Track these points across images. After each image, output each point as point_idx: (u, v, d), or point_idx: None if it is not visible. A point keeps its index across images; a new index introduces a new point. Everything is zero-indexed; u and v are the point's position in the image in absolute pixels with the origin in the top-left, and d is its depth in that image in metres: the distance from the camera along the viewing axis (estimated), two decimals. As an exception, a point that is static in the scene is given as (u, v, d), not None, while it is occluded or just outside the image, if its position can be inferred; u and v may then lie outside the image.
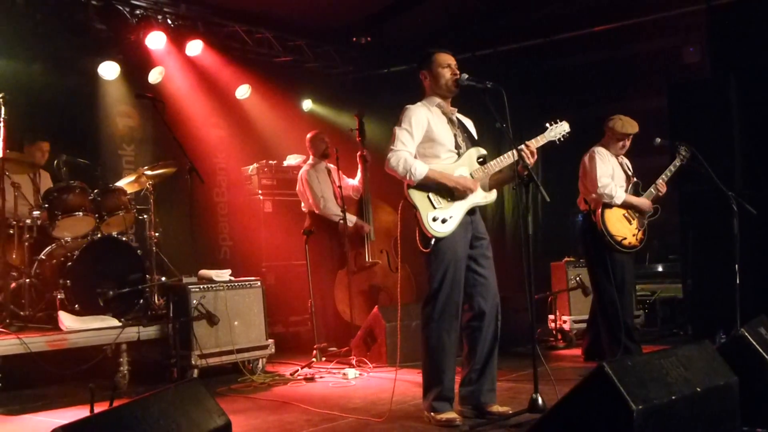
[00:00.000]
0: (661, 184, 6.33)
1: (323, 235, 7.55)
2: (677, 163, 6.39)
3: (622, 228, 6.17)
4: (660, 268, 9.38)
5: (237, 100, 9.85)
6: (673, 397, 3.25)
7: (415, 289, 7.68)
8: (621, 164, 6.38)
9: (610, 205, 6.15)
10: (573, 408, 3.26)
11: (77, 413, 5.07)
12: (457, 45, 6.86)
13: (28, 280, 6.26)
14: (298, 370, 6.49)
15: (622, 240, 6.12)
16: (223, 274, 6.57)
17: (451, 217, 4.58)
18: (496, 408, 4.64)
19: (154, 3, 8.60)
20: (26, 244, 6.36)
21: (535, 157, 4.61)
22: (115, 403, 3.20)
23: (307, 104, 10.65)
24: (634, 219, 6.24)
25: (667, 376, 3.35)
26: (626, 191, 6.25)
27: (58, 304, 6.13)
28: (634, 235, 6.20)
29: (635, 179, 6.34)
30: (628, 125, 6.24)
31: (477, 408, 4.67)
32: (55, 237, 6.53)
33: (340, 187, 7.41)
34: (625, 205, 6.21)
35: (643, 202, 6.26)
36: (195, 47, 8.86)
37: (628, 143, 6.32)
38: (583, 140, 5.17)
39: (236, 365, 6.40)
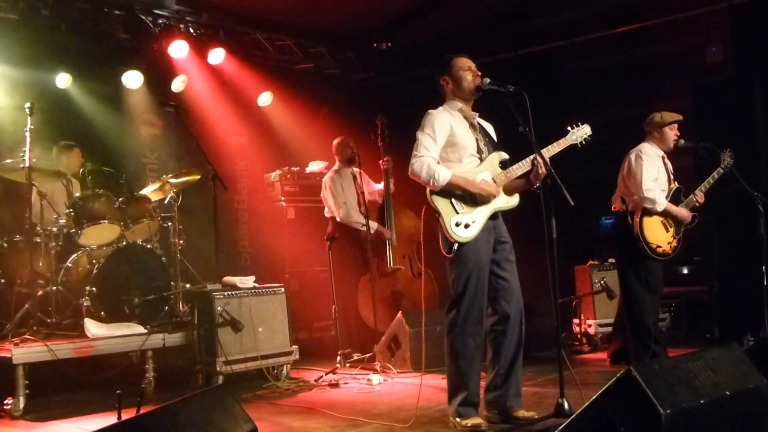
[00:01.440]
0: (699, 194, 6.23)
1: (346, 241, 7.56)
2: (720, 170, 6.28)
3: (659, 235, 6.05)
4: (685, 270, 9.28)
5: (259, 108, 9.90)
6: (702, 401, 3.22)
7: (438, 294, 7.67)
8: (665, 165, 6.24)
9: (650, 212, 6.04)
10: (600, 412, 3.23)
11: (104, 420, 5.12)
12: (477, 49, 6.82)
13: (54, 288, 6.32)
14: (322, 376, 6.49)
15: (656, 248, 6.00)
16: (247, 281, 6.59)
17: (474, 222, 4.58)
18: (522, 413, 4.62)
19: (177, 12, 8.67)
20: (53, 251, 6.43)
21: (544, 169, 4.57)
22: (142, 410, 3.23)
23: (327, 113, 10.66)
24: (671, 227, 6.12)
25: (696, 380, 3.31)
26: (667, 197, 6.15)
27: (84, 312, 6.20)
28: (669, 243, 6.08)
29: (677, 184, 6.22)
30: (668, 115, 6.12)
31: (503, 413, 4.65)
32: (81, 245, 6.59)
33: (363, 193, 7.42)
34: (664, 213, 6.10)
35: (683, 212, 6.13)
36: (217, 55, 8.92)
37: (676, 133, 6.17)
38: (605, 143, 5.14)
39: (261, 371, 6.43)
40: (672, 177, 6.26)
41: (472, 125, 4.79)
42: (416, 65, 10.38)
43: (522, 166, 4.68)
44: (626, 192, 6.17)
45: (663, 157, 6.23)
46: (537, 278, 9.79)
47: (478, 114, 4.87)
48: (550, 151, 4.71)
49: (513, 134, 4.89)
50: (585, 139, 4.84)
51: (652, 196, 5.98)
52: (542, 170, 4.54)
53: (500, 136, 5.03)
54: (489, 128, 4.97)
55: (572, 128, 4.85)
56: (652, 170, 6.07)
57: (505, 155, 4.80)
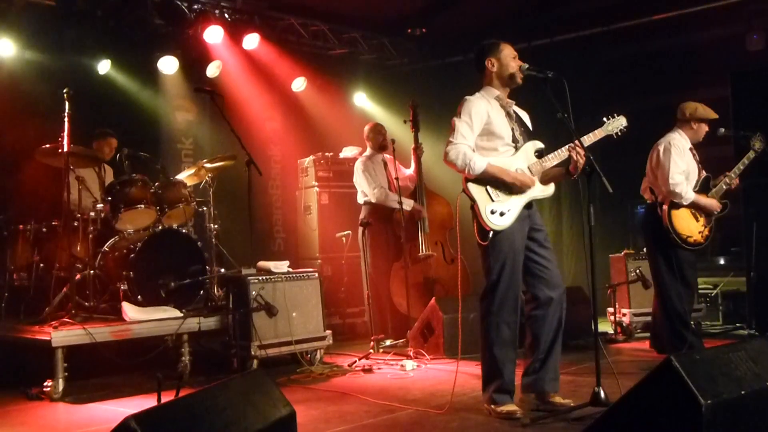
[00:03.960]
0: (733, 178, 6.16)
1: (379, 226, 7.56)
2: (751, 155, 6.20)
3: (689, 225, 6.00)
4: (722, 261, 9.17)
5: (293, 93, 9.93)
6: (743, 392, 3.18)
7: (471, 281, 7.65)
8: (694, 155, 6.17)
9: (678, 205, 5.99)
10: (639, 402, 3.20)
11: (142, 402, 5.18)
12: (512, 35, 6.78)
13: (92, 272, 6.37)
14: (355, 362, 6.52)
15: (687, 238, 5.95)
16: (282, 266, 6.62)
17: (509, 210, 4.55)
18: (559, 399, 4.61)
19: (212, -2, 8.70)
20: (90, 236, 6.48)
21: (583, 158, 4.53)
22: (181, 393, 3.26)
23: (361, 99, 10.67)
24: (701, 216, 6.07)
25: (736, 371, 3.27)
26: (696, 187, 6.08)
27: (122, 296, 6.26)
28: (700, 233, 6.02)
29: (705, 173, 6.16)
30: (710, 111, 6.07)
31: (539, 396, 4.65)
32: (118, 229, 6.66)
33: (396, 179, 7.41)
34: (692, 206, 6.04)
35: (712, 203, 6.07)
36: (252, 41, 8.94)
37: (707, 129, 6.13)
38: (641, 132, 5.08)
39: (294, 356, 6.46)
40: (700, 166, 6.19)
41: (508, 114, 4.75)
42: (450, 51, 10.34)
43: (557, 156, 4.65)
44: (655, 183, 6.12)
45: (691, 148, 6.16)
46: (571, 267, 9.78)
47: (514, 102, 4.83)
48: (586, 141, 4.67)
49: (549, 122, 4.86)
50: (621, 130, 4.80)
51: (679, 191, 5.92)
52: (581, 158, 4.50)
53: (535, 125, 4.99)
54: (525, 116, 4.93)
55: (608, 119, 4.82)
56: (680, 163, 6.00)
57: (540, 144, 4.76)
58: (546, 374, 4.65)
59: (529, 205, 4.69)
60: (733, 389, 3.15)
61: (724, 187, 6.13)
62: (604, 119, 4.82)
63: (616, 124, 4.81)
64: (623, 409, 3.27)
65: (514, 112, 4.83)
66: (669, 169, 5.96)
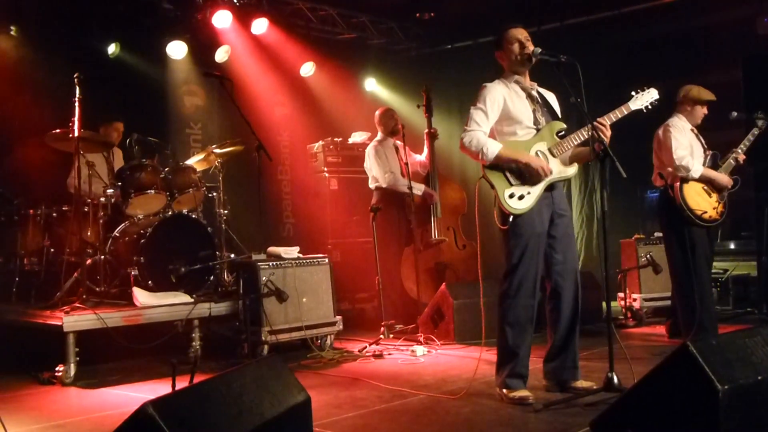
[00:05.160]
0: (740, 154, 6.18)
1: (390, 212, 7.54)
2: (755, 131, 6.24)
3: (702, 201, 6.01)
4: (732, 246, 9.15)
5: (301, 78, 9.91)
6: (759, 377, 3.16)
7: (482, 266, 7.62)
8: (697, 136, 6.21)
9: (687, 179, 6.00)
10: (655, 387, 3.18)
11: (154, 387, 5.20)
12: (521, 19, 6.71)
13: (102, 257, 6.38)
14: (366, 347, 6.50)
15: (702, 214, 5.96)
16: (292, 251, 6.61)
17: (528, 194, 4.52)
18: (580, 383, 4.62)
19: (220, -18, 8.66)
20: (101, 221, 6.49)
21: (609, 132, 4.50)
22: (194, 379, 3.26)
23: (371, 84, 10.63)
24: (713, 192, 6.10)
25: (753, 356, 3.25)
26: (704, 164, 6.10)
27: (132, 281, 6.27)
28: (714, 209, 6.04)
29: (711, 151, 6.18)
30: (705, 92, 6.09)
31: (560, 384, 4.67)
32: (128, 214, 6.67)
33: (407, 164, 7.39)
34: (702, 179, 6.05)
35: (722, 176, 6.10)
36: (260, 25, 8.91)
37: (705, 111, 6.15)
38: (653, 115, 5.03)
39: (305, 341, 6.46)
40: (705, 147, 6.21)
41: (530, 96, 4.70)
42: (460, 36, 10.28)
43: (579, 135, 4.58)
44: (661, 166, 6.17)
45: (692, 130, 6.19)
46: (582, 252, 9.74)
47: (537, 84, 4.79)
48: (611, 117, 4.59)
49: (562, 105, 4.82)
50: (651, 104, 4.71)
51: (685, 164, 5.96)
52: (606, 135, 4.43)
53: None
54: (551, 98, 4.87)
55: (636, 93, 4.73)
56: (682, 140, 6.06)
57: (562, 125, 4.70)
58: (565, 362, 4.66)
59: (551, 187, 4.63)
60: (749, 375, 3.14)
61: (733, 163, 6.19)
62: (632, 93, 4.72)
63: (647, 97, 4.72)
64: (639, 395, 3.25)
65: (539, 93, 4.79)
66: (671, 146, 6.01)
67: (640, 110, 4.73)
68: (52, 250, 6.64)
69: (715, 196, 6.10)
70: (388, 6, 9.98)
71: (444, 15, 10.16)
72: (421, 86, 7.94)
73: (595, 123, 4.47)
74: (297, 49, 9.56)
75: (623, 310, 7.82)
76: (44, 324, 5.74)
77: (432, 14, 10.18)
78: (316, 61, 9.82)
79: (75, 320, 5.58)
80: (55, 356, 5.62)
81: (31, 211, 6.80)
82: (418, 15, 10.23)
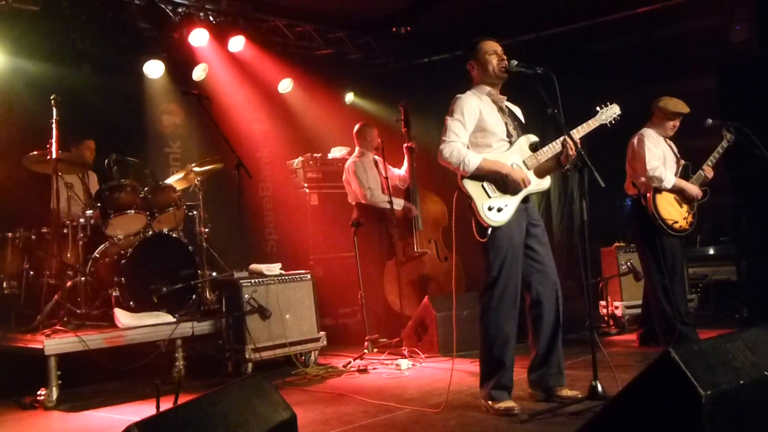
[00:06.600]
0: (707, 169, 6.30)
1: (371, 226, 7.55)
2: (724, 145, 6.35)
3: (673, 212, 6.14)
4: (711, 251, 9.21)
5: (280, 95, 9.92)
6: (741, 382, 3.18)
7: (464, 278, 7.66)
8: (670, 146, 6.32)
9: (660, 189, 6.10)
10: (639, 395, 3.20)
11: (138, 408, 5.16)
12: (497, 31, 6.75)
13: (83, 279, 6.34)
14: (350, 362, 6.50)
15: (673, 224, 6.10)
16: (274, 268, 6.60)
17: (506, 206, 4.56)
18: (566, 391, 4.63)
19: (196, 0, 8.64)
20: (80, 243, 6.45)
21: (574, 150, 4.54)
22: (180, 399, 3.24)
23: (349, 97, 10.66)
24: (684, 203, 6.22)
25: (734, 361, 3.27)
26: (676, 174, 6.20)
27: (113, 302, 6.23)
28: (684, 219, 6.18)
29: (684, 162, 6.28)
30: (680, 105, 6.19)
31: (546, 392, 4.68)
32: (108, 235, 6.63)
33: (386, 178, 7.41)
34: (674, 190, 6.17)
35: (693, 188, 6.24)
36: (237, 43, 8.90)
37: (678, 123, 6.26)
38: (630, 124, 5.12)
39: (289, 358, 6.43)
40: (678, 156, 6.32)
41: (500, 109, 4.77)
42: (436, 49, 10.32)
43: (552, 149, 4.65)
44: (634, 175, 6.29)
45: (665, 139, 6.31)
46: (562, 261, 9.77)
47: (506, 97, 4.85)
48: (580, 131, 4.69)
49: (542, 116, 4.87)
50: (615, 119, 4.83)
51: (658, 174, 6.07)
52: (572, 151, 4.51)
53: (528, 119, 5.00)
54: (517, 111, 4.96)
55: (601, 108, 4.85)
56: (656, 150, 6.18)
57: (534, 138, 4.78)
58: (549, 370, 4.68)
59: (526, 199, 4.70)
60: (731, 379, 3.16)
61: (702, 175, 6.28)
62: (597, 108, 4.84)
63: (610, 113, 4.83)
64: (622, 403, 3.27)
65: (507, 107, 4.85)
66: (645, 156, 6.12)
67: (605, 125, 4.82)
68: (32, 272, 6.57)
69: (685, 206, 6.24)
70: (364, 21, 10.02)
71: (420, 29, 10.21)
72: (399, 100, 7.98)
73: (563, 139, 4.54)
74: (275, 66, 9.56)
75: (605, 317, 7.86)
76: (25, 348, 5.70)
77: (408, 28, 10.21)
78: (294, 77, 9.83)
79: (56, 343, 5.53)
80: (36, 380, 5.57)
81: (9, 234, 6.73)
82: (394, 29, 10.26)
